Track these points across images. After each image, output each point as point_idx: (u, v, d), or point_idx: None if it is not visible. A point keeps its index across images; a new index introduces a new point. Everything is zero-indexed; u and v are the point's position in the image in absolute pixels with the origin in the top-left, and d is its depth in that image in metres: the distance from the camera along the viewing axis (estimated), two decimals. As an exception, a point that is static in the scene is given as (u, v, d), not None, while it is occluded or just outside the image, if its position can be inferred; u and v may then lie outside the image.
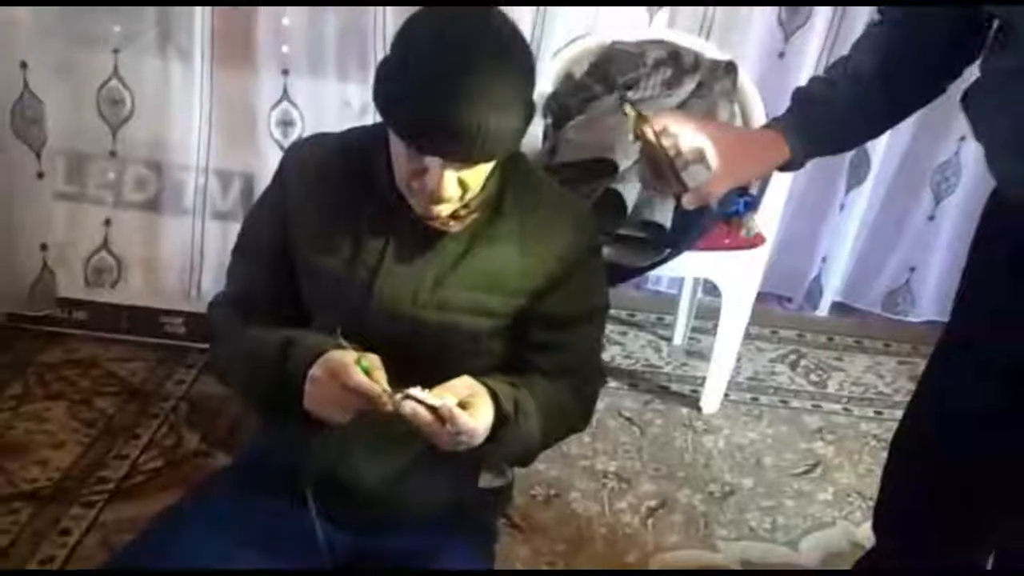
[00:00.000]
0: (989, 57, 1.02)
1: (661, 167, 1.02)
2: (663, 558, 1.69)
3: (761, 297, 2.12)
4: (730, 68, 1.89)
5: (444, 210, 1.01)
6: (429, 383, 0.95)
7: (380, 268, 1.06)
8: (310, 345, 0.98)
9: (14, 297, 2.05)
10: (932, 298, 2.47)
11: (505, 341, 1.11)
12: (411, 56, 0.94)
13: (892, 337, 2.47)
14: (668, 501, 1.83)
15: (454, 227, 1.05)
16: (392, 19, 1.88)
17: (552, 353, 1.12)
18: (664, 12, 2.09)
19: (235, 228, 1.20)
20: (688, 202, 1.05)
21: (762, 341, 2.40)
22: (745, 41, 2.16)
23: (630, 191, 1.64)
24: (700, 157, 1.01)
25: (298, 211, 1.09)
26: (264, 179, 1.49)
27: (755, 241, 1.91)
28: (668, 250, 1.76)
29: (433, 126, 0.92)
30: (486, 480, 1.20)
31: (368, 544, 1.11)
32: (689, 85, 1.82)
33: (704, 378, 2.11)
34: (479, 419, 0.95)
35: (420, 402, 0.91)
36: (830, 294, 2.49)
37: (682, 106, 1.79)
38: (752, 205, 1.93)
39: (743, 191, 1.89)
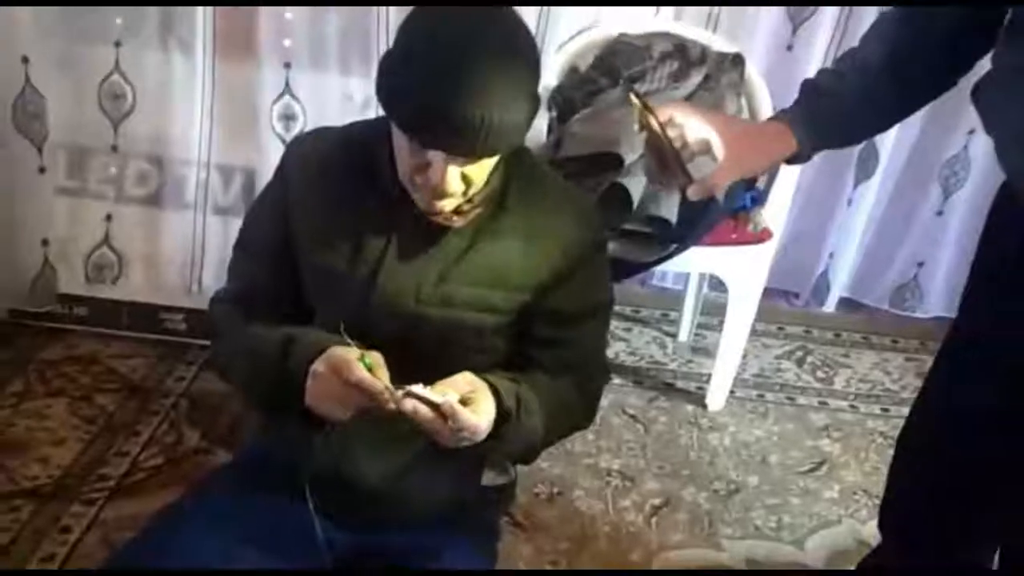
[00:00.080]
0: (1001, 50, 1.01)
1: (666, 158, 1.00)
2: (667, 557, 1.68)
3: (767, 293, 2.11)
4: (737, 60, 1.88)
5: (447, 205, 1.00)
6: (431, 379, 0.94)
7: (383, 264, 1.05)
8: (312, 341, 0.98)
9: (15, 293, 2.05)
10: (940, 294, 2.45)
11: (508, 337, 1.10)
12: (415, 49, 0.93)
13: (900, 333, 2.45)
14: (672, 499, 1.82)
15: (457, 222, 1.04)
16: (395, 12, 1.87)
17: (556, 349, 1.11)
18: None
19: (236, 223, 1.20)
20: (693, 194, 1.03)
21: (768, 337, 2.38)
22: (753, 34, 2.14)
23: (635, 185, 1.63)
24: (706, 148, 0.99)
25: (300, 206, 1.09)
26: (266, 174, 1.48)
27: (762, 236, 1.89)
28: (674, 245, 1.75)
29: (436, 120, 0.91)
30: (489, 478, 1.19)
31: (369, 542, 1.11)
32: (696, 78, 1.81)
33: (709, 375, 2.10)
34: (481, 415, 0.94)
35: (421, 399, 0.91)
36: (837, 290, 2.48)
37: (689, 99, 1.78)
38: (759, 200, 1.91)
39: (750, 186, 1.87)
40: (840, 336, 2.44)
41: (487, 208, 1.05)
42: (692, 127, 1.00)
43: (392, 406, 0.91)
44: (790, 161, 1.10)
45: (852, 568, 1.50)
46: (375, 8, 1.88)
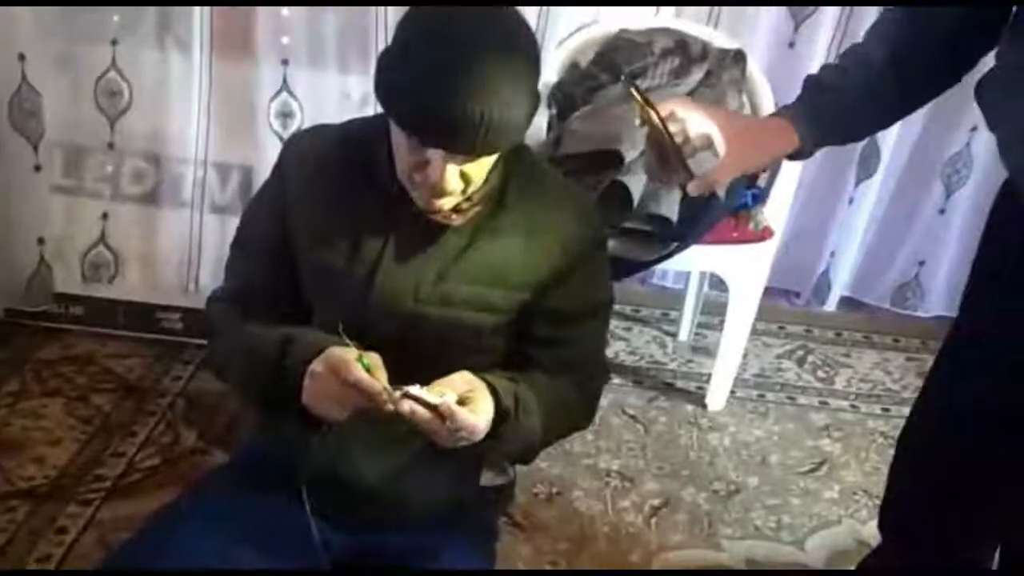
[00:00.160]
0: (1005, 48, 1.00)
1: (667, 154, 0.99)
2: (667, 557, 1.68)
3: (768, 292, 2.11)
4: (739, 57, 1.87)
5: (446, 203, 1.00)
6: (429, 379, 0.94)
7: (381, 262, 1.04)
8: (310, 341, 0.97)
9: (11, 292, 2.04)
10: (942, 292, 2.45)
11: (507, 337, 1.10)
12: (413, 46, 0.92)
13: (901, 332, 2.45)
14: (672, 500, 1.81)
15: (456, 220, 1.03)
16: (393, 9, 1.86)
17: (555, 349, 1.11)
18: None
19: (234, 222, 1.19)
20: (694, 189, 1.02)
21: (769, 337, 2.38)
22: (754, 30, 2.13)
23: (636, 183, 1.62)
24: (708, 144, 0.98)
25: (298, 204, 1.08)
26: (263, 172, 1.47)
27: (763, 235, 1.89)
28: (674, 244, 1.74)
29: (436, 118, 0.90)
30: (487, 478, 1.19)
31: (366, 543, 1.10)
32: (697, 74, 1.80)
33: (710, 375, 2.09)
34: (479, 414, 0.94)
35: (419, 400, 0.90)
36: (838, 289, 2.47)
37: (690, 96, 1.77)
38: (760, 198, 1.91)
39: (751, 184, 1.86)
40: (841, 335, 2.43)
41: (486, 206, 1.05)
42: (694, 122, 0.99)
43: (390, 407, 0.90)
44: (792, 157, 1.10)
45: (852, 568, 1.50)
46: (373, 5, 1.87)
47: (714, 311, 2.26)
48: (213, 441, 1.80)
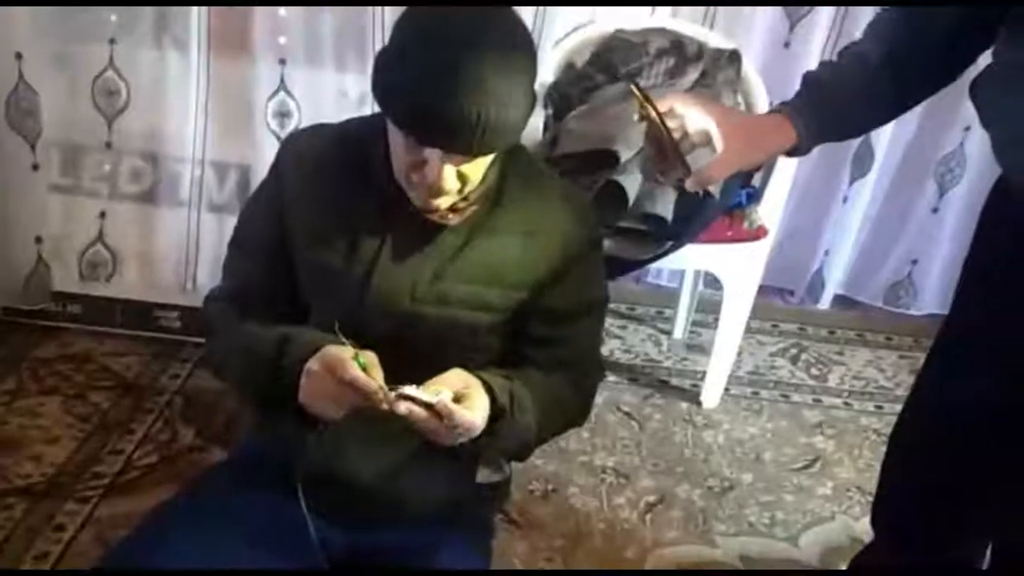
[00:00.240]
0: (1001, 47, 1.00)
1: (665, 150, 1.00)
2: (662, 554, 1.69)
3: (762, 290, 2.11)
4: (734, 57, 1.87)
5: (443, 203, 1.00)
6: (425, 378, 0.94)
7: (378, 261, 1.04)
8: (307, 340, 0.98)
9: (9, 291, 2.04)
10: (935, 291, 2.46)
11: (503, 336, 1.10)
12: (411, 46, 0.92)
13: (894, 330, 2.46)
14: (667, 496, 1.82)
15: (453, 220, 1.03)
16: (390, 9, 1.86)
17: (551, 347, 1.11)
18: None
19: (231, 221, 1.19)
20: (691, 185, 1.03)
21: (763, 335, 2.39)
22: (750, 30, 2.14)
23: (631, 183, 1.62)
24: (706, 140, 0.99)
25: (295, 204, 1.08)
26: (261, 171, 1.47)
27: (758, 233, 1.89)
28: (669, 243, 1.74)
29: (433, 117, 0.90)
30: (483, 475, 1.19)
31: (363, 540, 1.10)
32: (692, 74, 1.80)
33: (704, 372, 2.10)
34: (476, 412, 0.94)
35: (415, 400, 0.90)
36: (832, 287, 2.48)
37: (685, 95, 1.77)
38: (755, 197, 1.91)
39: (746, 183, 1.87)
40: (834, 333, 2.44)
41: (483, 205, 1.05)
42: (692, 118, 1.00)
43: (386, 406, 0.90)
44: (789, 154, 1.10)
45: (845, 565, 1.51)
46: (370, 5, 1.88)
47: (708, 309, 2.27)
48: (211, 439, 1.80)
